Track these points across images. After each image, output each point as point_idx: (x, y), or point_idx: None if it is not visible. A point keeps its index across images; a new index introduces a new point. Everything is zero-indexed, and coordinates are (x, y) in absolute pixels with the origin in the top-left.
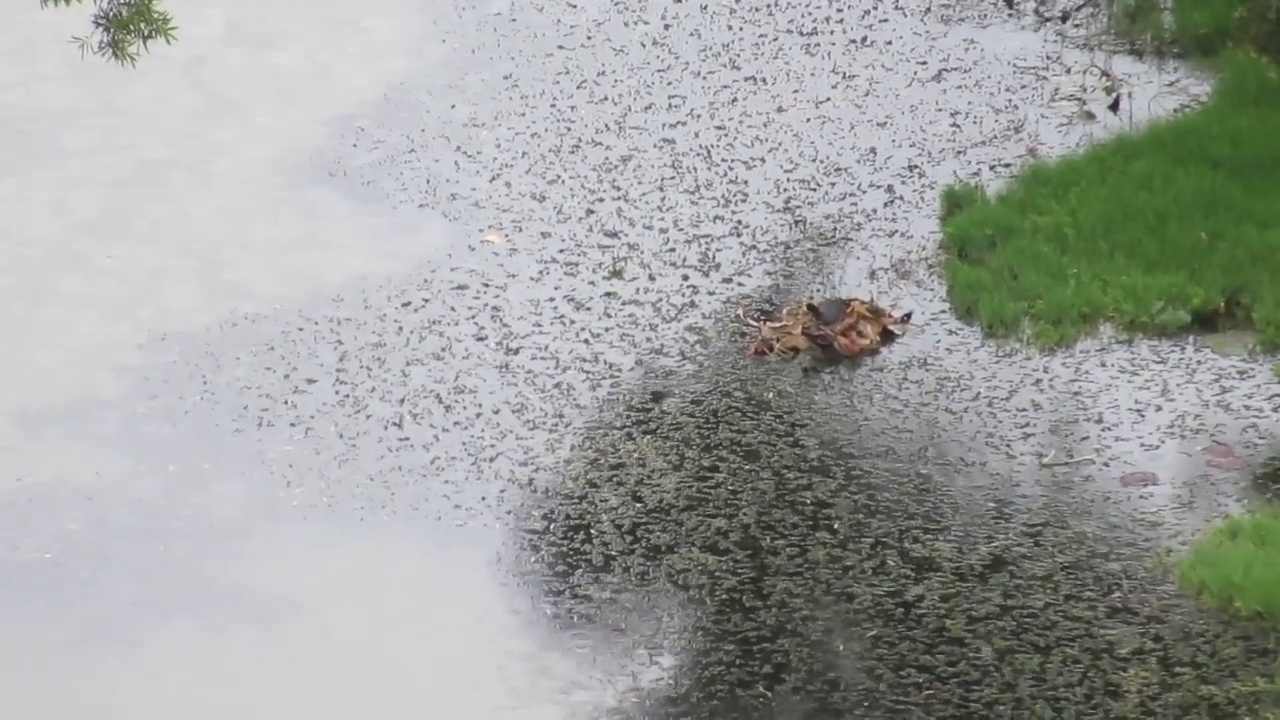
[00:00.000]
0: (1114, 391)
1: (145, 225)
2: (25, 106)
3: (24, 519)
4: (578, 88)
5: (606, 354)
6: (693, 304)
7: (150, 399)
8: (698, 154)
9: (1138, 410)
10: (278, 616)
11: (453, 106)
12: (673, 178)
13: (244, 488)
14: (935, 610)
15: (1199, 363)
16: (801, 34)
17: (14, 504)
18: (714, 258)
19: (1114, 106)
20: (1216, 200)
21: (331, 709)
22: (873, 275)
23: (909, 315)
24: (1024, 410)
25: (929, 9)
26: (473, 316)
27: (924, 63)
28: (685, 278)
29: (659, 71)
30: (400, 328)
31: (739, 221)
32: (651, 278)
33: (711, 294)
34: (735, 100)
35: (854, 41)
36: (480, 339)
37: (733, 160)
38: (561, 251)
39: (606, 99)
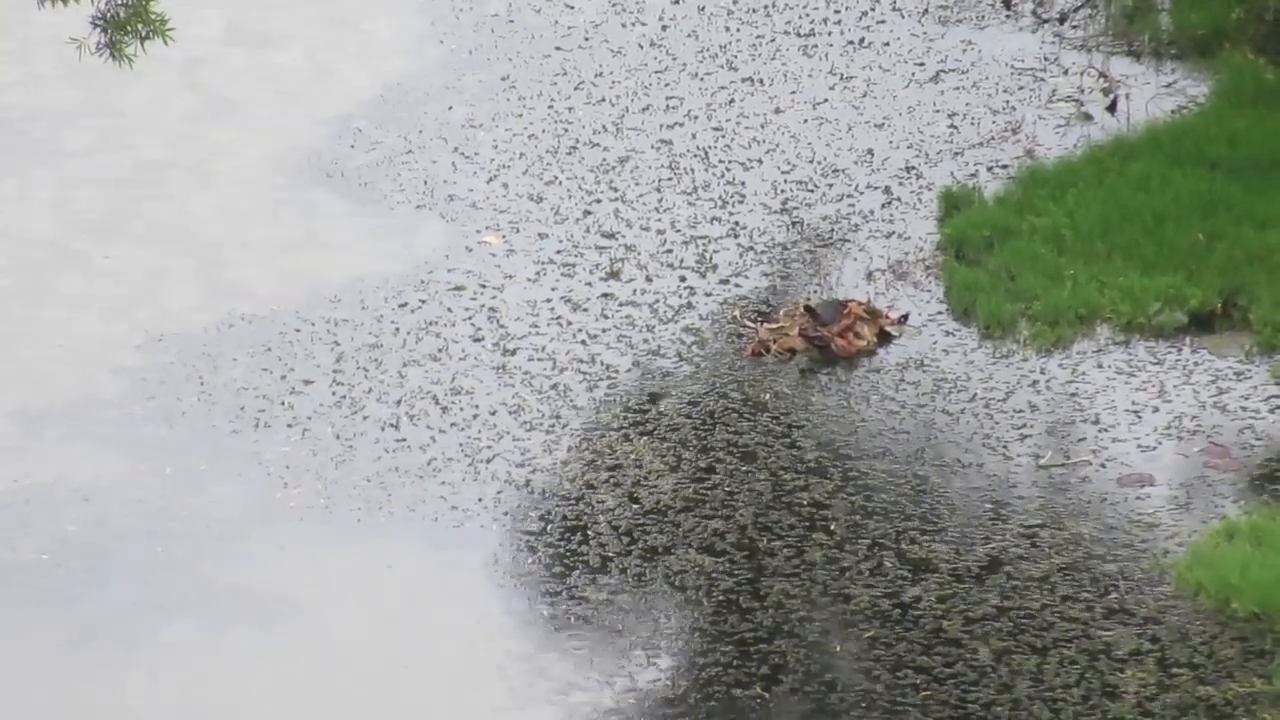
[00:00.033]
0: (1111, 393)
1: (144, 226)
2: (25, 106)
3: (22, 519)
4: (575, 89)
5: (603, 355)
6: (690, 305)
7: (148, 400)
8: (695, 155)
9: (1135, 411)
10: (276, 617)
11: (450, 107)
12: (670, 179)
13: (241, 489)
14: (932, 611)
15: (1196, 364)
16: (799, 35)
17: (12, 504)
18: (711, 259)
19: (1111, 108)
20: (1214, 201)
21: (329, 709)
22: (870, 276)
23: (906, 316)
24: (1021, 411)
25: (927, 10)
26: (470, 317)
27: (921, 64)
28: (682, 279)
29: (656, 73)
30: (397, 329)
31: (736, 223)
32: (649, 279)
33: (708, 295)
34: (733, 101)
35: (851, 43)
36: (477, 340)
37: (730, 161)
38: (559, 252)
39: (604, 100)
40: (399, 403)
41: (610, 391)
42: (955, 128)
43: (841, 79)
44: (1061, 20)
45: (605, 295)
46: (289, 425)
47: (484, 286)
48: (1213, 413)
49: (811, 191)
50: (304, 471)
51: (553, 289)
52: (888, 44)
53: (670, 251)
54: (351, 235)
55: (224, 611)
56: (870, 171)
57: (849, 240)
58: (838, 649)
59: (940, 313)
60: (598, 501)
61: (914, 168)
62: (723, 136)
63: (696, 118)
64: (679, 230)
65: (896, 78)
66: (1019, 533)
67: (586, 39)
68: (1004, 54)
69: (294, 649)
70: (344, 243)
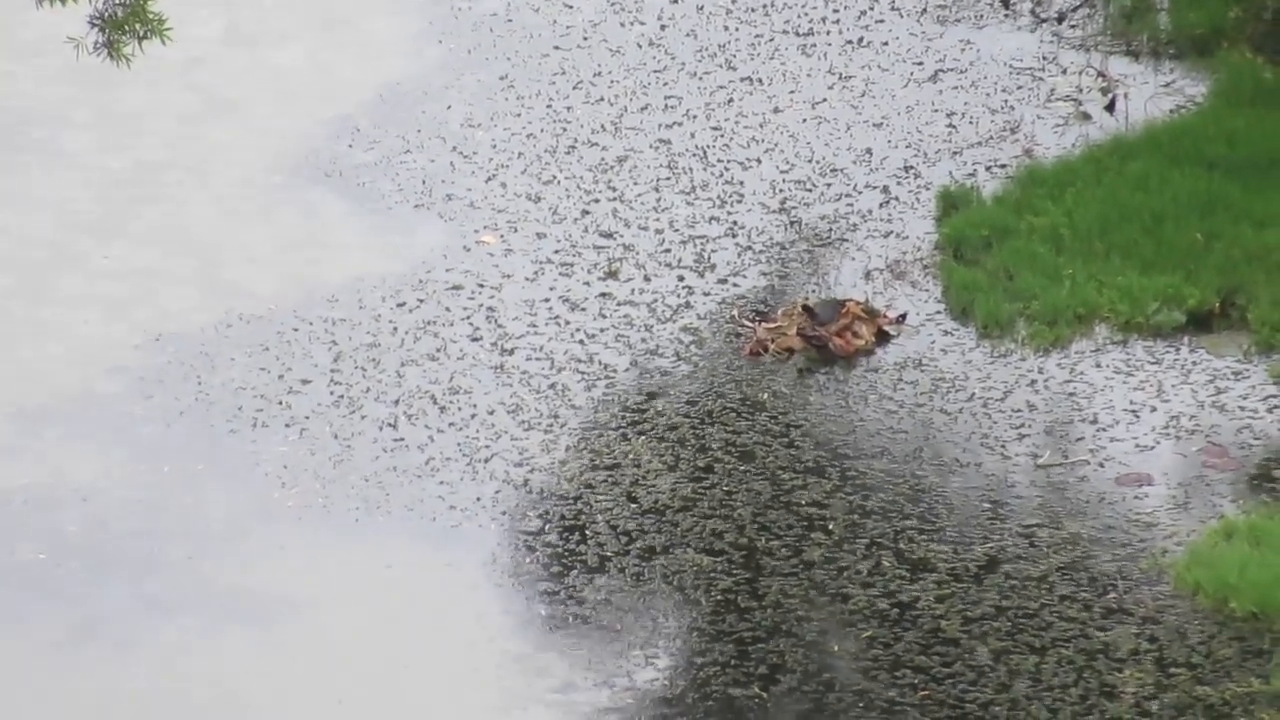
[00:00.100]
0: (1109, 392)
1: (143, 226)
2: (25, 107)
3: (20, 520)
4: (574, 88)
5: (601, 355)
6: (688, 305)
7: (146, 399)
8: (694, 155)
9: (1133, 411)
10: (274, 617)
11: (449, 107)
12: (668, 178)
13: (239, 489)
14: (930, 611)
15: (1194, 363)
16: (798, 35)
17: (10, 504)
18: (709, 258)
19: (1110, 107)
20: (1212, 201)
21: (328, 710)
22: (868, 276)
23: (904, 316)
24: (1019, 411)
25: (925, 10)
26: (468, 317)
27: (920, 63)
28: (681, 278)
29: (655, 72)
30: (395, 328)
31: (734, 222)
32: (647, 278)
33: (707, 295)
34: (731, 101)
35: (850, 42)
36: (475, 340)
37: (729, 161)
38: (557, 252)
39: (602, 100)
40: (397, 402)
41: (608, 391)
42: (954, 127)
43: (840, 78)
44: (1060, 20)
45: (603, 295)
46: (287, 425)
47: (482, 286)
48: (1211, 412)
49: (810, 191)
50: (302, 471)
51: (551, 288)
52: (886, 43)
53: (668, 251)
54: (350, 235)
55: (222, 611)
56: (869, 171)
57: (847, 240)
58: (836, 649)
59: (938, 312)
60: (596, 501)
61: (912, 167)
62: (721, 136)
63: (695, 117)
64: (677, 230)
65: (895, 77)
66: (1017, 532)
67: (585, 38)
68: (1002, 53)
69: (292, 649)
70: (342, 242)
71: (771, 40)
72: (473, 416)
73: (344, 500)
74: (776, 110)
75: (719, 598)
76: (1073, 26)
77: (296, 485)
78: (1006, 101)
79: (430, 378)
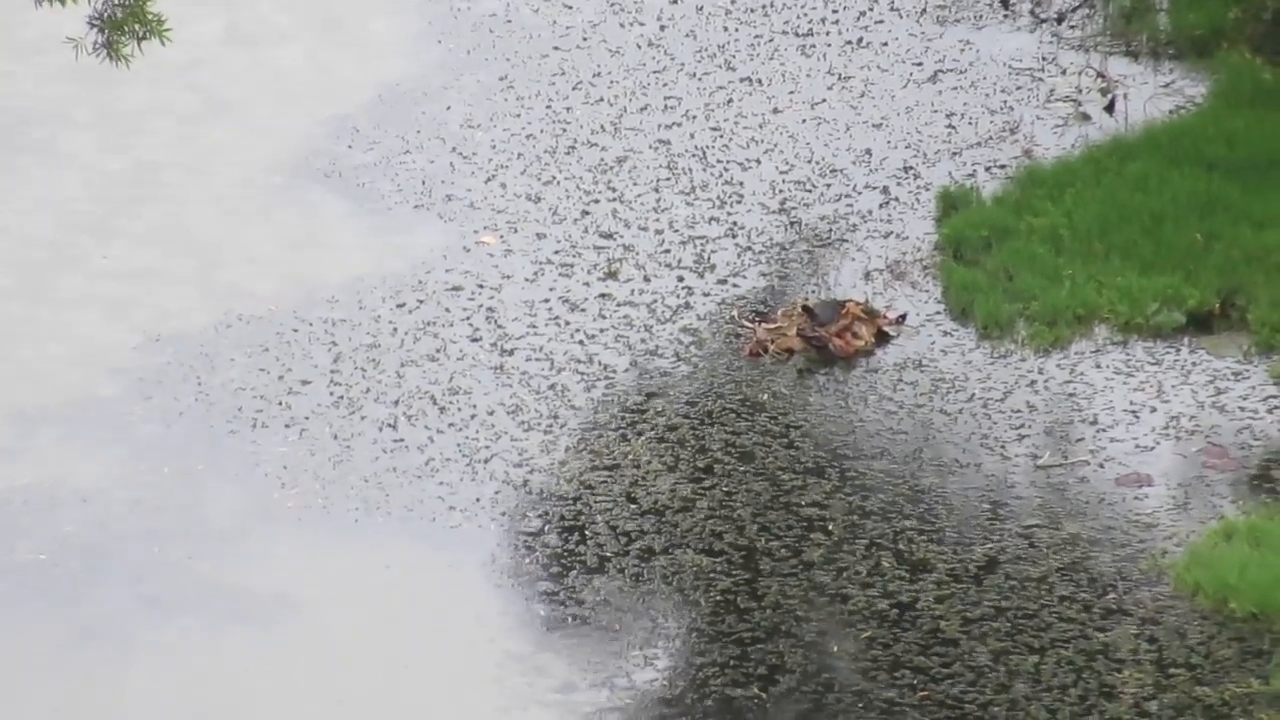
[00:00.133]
0: (1109, 393)
1: (142, 226)
2: (24, 106)
3: (19, 520)
4: (573, 89)
5: (601, 355)
6: (688, 305)
7: (146, 400)
8: (693, 155)
9: (1133, 412)
10: (274, 617)
11: (448, 107)
12: (668, 179)
13: (239, 489)
14: (930, 611)
15: (1194, 364)
16: (797, 35)
17: (9, 505)
18: (709, 259)
19: (1109, 108)
20: (1212, 201)
21: (328, 710)
22: (868, 276)
23: (904, 317)
24: (1019, 412)
25: (924, 10)
26: (467, 318)
27: (919, 64)
28: (680, 279)
29: (654, 73)
30: (395, 329)
31: (734, 223)
32: (646, 279)
33: (706, 295)
34: (731, 101)
35: (850, 43)
36: (475, 340)
37: (728, 161)
38: (556, 253)
39: (602, 100)
40: (397, 403)
41: (608, 391)
42: (953, 128)
43: (840, 79)
44: (1059, 20)
45: (603, 295)
46: (287, 425)
47: (482, 286)
48: (1211, 413)
49: (809, 191)
50: (302, 472)
51: (550, 289)
52: (886, 44)
53: (668, 251)
54: (349, 235)
55: (222, 611)
56: (868, 171)
57: (847, 240)
58: (835, 649)
59: (938, 313)
60: (595, 501)
61: (912, 168)
62: (721, 136)
63: (695, 118)
64: (677, 230)
65: (894, 78)
66: (1017, 533)
67: (584, 39)
68: (1002, 54)
69: (292, 649)
70: (342, 243)
71: (771, 41)
72: (472, 417)
73: (344, 501)
74: (776, 111)
75: (718, 598)
76: (1072, 27)
77: (296, 486)
78: (1006, 102)
79: (430, 378)
